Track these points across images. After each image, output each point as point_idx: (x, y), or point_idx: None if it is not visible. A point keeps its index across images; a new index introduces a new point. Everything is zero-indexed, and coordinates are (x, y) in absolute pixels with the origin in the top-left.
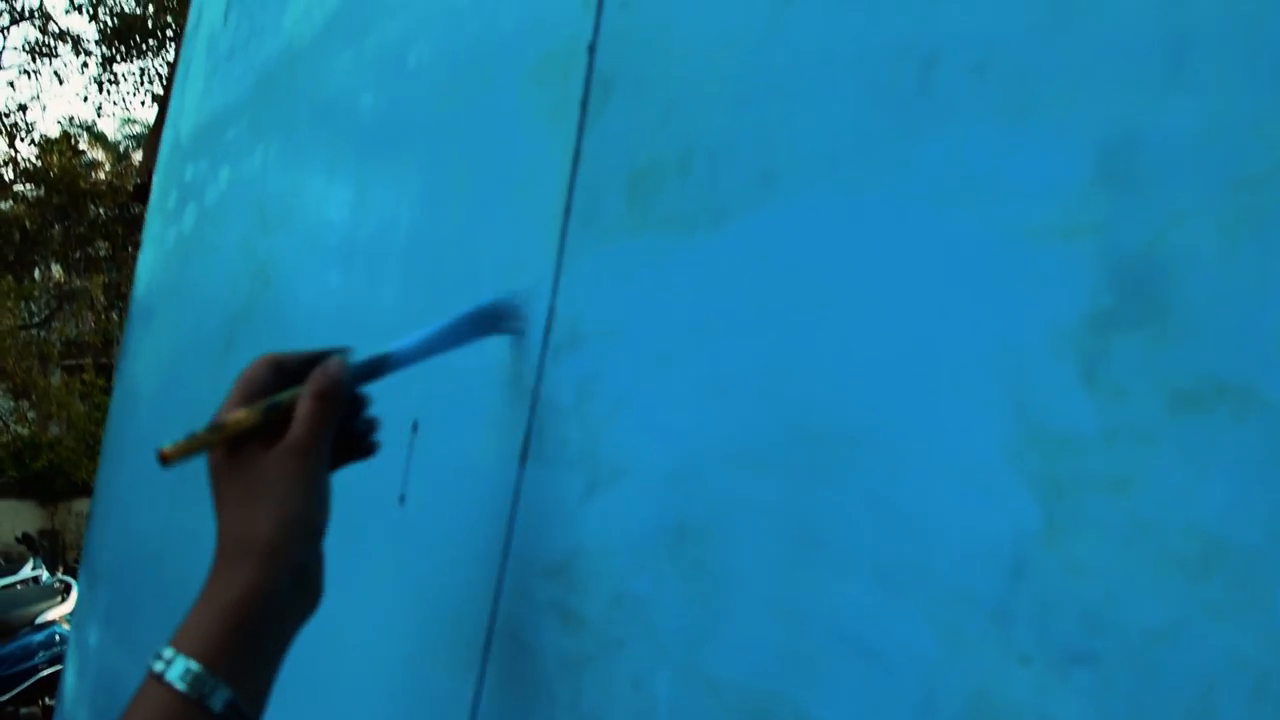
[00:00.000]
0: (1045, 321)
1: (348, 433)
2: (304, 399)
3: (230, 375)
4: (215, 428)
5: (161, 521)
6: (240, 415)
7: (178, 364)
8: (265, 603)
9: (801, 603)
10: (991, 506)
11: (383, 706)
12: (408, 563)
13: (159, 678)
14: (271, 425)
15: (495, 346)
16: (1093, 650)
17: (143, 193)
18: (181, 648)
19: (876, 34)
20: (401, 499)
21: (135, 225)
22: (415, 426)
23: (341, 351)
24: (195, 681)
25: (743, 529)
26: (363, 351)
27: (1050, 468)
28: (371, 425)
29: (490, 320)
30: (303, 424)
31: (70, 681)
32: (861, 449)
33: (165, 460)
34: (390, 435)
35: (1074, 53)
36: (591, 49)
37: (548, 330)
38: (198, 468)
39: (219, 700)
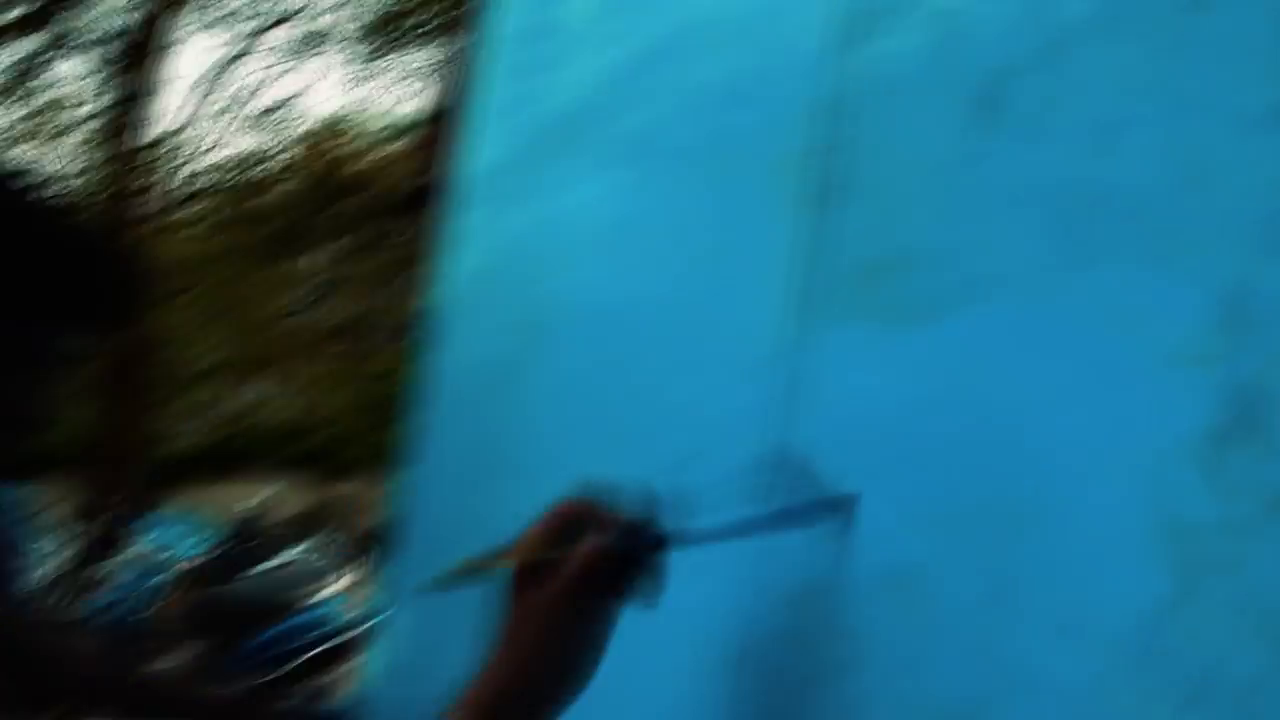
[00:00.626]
0: (1177, 431)
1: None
2: (570, 561)
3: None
4: (488, 561)
5: (467, 508)
6: (519, 555)
7: (485, 368)
8: (513, 701)
9: (991, 641)
10: (1135, 576)
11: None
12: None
13: None
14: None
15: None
16: (1207, 694)
17: (418, 194)
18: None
19: (1057, 172)
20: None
21: (396, 214)
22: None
23: (634, 526)
24: None
25: (945, 579)
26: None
27: (1180, 549)
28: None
29: (801, 518)
30: (556, 584)
31: (369, 665)
32: (1037, 523)
33: (444, 581)
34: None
35: (1207, 213)
36: (826, 152)
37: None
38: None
39: None
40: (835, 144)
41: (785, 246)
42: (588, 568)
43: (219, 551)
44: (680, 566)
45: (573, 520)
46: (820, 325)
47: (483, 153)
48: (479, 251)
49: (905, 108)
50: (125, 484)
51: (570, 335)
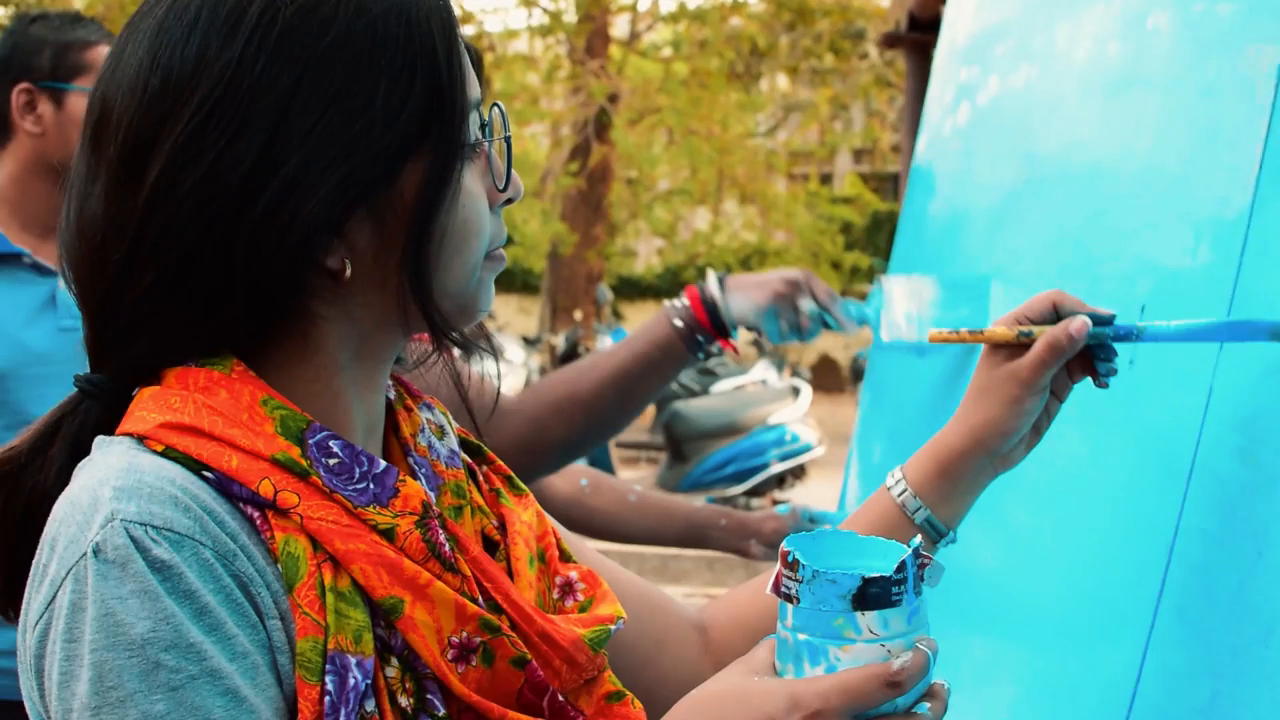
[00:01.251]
0: None
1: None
2: (1040, 341)
3: (990, 257)
4: (977, 332)
5: (937, 358)
6: (1000, 331)
7: (950, 234)
8: (962, 459)
9: None
10: None
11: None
12: (1081, 533)
13: (887, 489)
14: (1023, 346)
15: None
16: None
17: (902, 35)
18: (905, 471)
19: None
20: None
21: (859, 39)
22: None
23: (1103, 319)
24: (907, 499)
25: None
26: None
27: None
28: (1105, 371)
29: (1255, 331)
30: (1028, 361)
31: (848, 492)
32: None
33: (930, 339)
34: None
35: None
36: None
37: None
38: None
39: (920, 516)
40: None
41: (1258, 125)
42: (1058, 346)
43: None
44: (1139, 377)
45: (1047, 307)
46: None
47: (979, 11)
48: (969, 105)
49: None
50: (586, 301)
51: (1059, 189)
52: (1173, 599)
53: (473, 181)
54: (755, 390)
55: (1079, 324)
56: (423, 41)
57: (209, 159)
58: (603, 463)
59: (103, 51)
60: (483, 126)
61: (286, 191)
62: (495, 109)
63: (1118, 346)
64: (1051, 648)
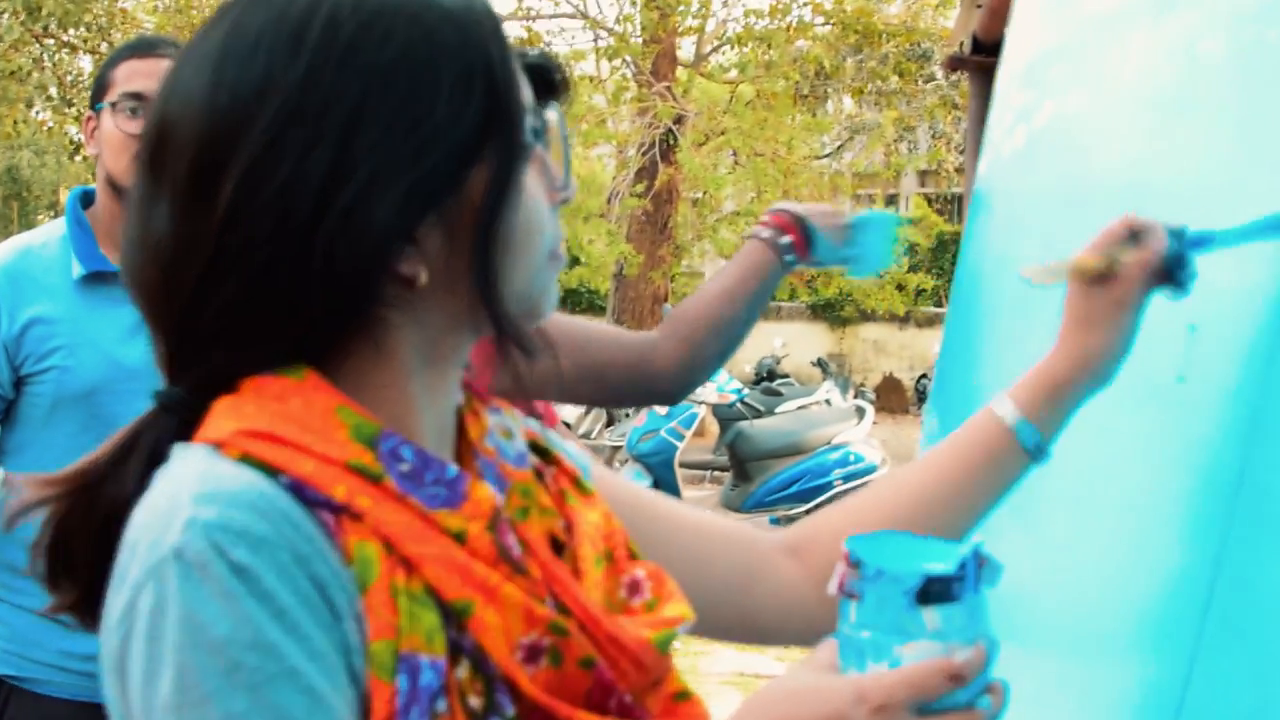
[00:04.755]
0: None
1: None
2: (1133, 265)
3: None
4: (1067, 264)
5: (990, 358)
6: (1089, 261)
7: (1005, 256)
8: (1072, 387)
9: None
10: None
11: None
12: (1125, 542)
13: (993, 413)
14: (1112, 272)
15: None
16: None
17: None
18: (1014, 396)
19: None
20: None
21: (924, 61)
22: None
23: (1175, 230)
24: (1017, 424)
25: None
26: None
27: None
28: (1186, 279)
29: None
30: (1127, 286)
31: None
32: None
33: (1027, 277)
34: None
35: None
36: None
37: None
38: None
39: (1030, 440)
40: None
41: None
42: (1147, 267)
43: (745, 390)
44: (1191, 389)
45: (1127, 231)
46: None
47: (1035, 37)
48: (1025, 128)
49: None
50: (651, 322)
51: (1108, 208)
52: (1220, 609)
53: (533, 182)
54: (819, 411)
55: (1159, 239)
56: (478, 48)
57: (284, 174)
58: (667, 482)
59: (129, 68)
60: (536, 130)
61: (359, 201)
62: (550, 110)
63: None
64: (1097, 659)
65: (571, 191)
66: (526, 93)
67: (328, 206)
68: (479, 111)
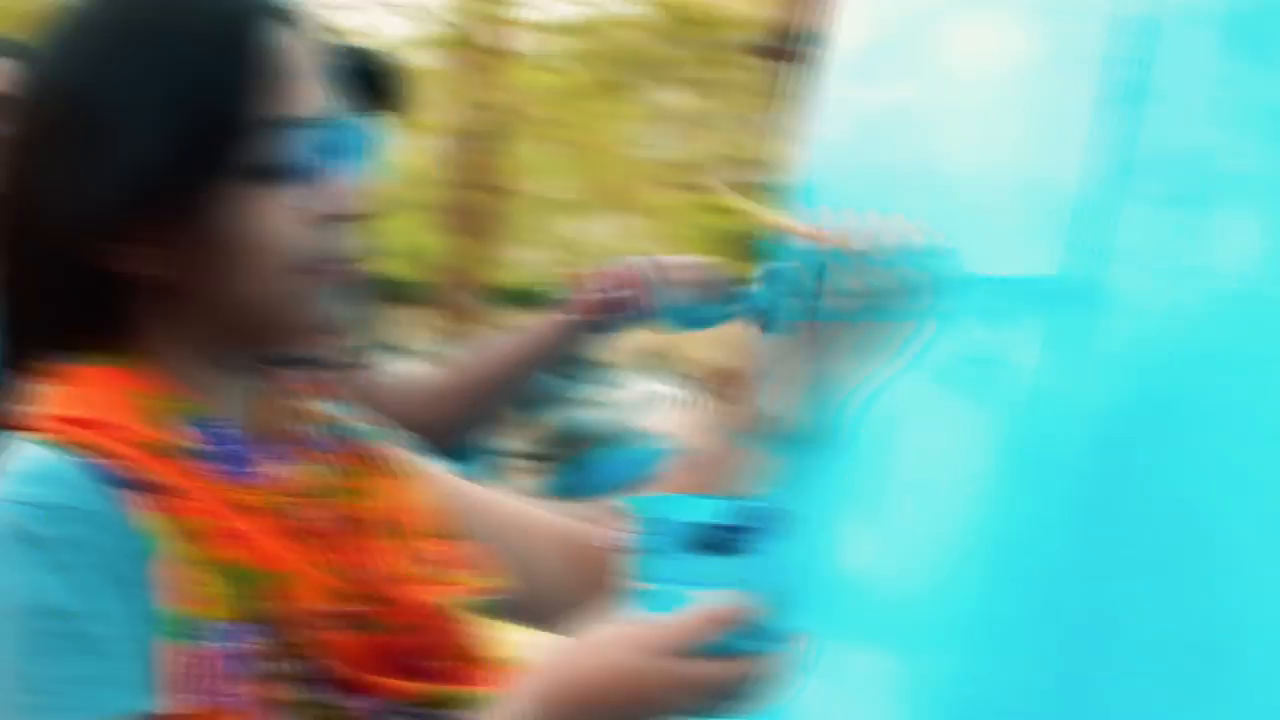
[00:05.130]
0: None
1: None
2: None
3: None
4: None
5: None
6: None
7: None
8: None
9: None
10: None
11: None
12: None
13: None
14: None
15: None
16: None
17: (776, 38)
18: None
19: None
20: None
21: (750, 54)
22: None
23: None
24: None
25: None
26: None
27: None
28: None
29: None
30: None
31: None
32: None
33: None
34: None
35: None
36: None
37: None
38: None
39: None
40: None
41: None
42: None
43: (569, 378)
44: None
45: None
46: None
47: (855, 27)
48: (846, 118)
49: None
50: (470, 312)
51: (936, 198)
52: (1041, 601)
53: (274, 195)
54: (642, 399)
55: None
56: (210, 61)
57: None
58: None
59: None
60: (306, 142)
61: (60, 197)
62: (362, 118)
63: None
64: (929, 651)
65: (343, 208)
66: (314, 103)
67: (33, 202)
68: (198, 125)
